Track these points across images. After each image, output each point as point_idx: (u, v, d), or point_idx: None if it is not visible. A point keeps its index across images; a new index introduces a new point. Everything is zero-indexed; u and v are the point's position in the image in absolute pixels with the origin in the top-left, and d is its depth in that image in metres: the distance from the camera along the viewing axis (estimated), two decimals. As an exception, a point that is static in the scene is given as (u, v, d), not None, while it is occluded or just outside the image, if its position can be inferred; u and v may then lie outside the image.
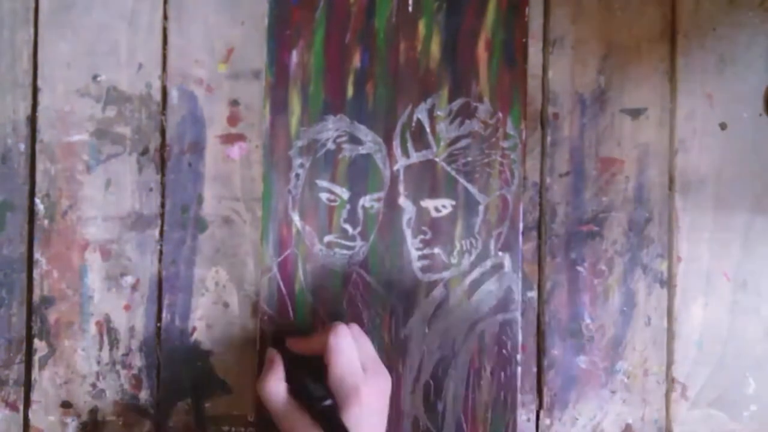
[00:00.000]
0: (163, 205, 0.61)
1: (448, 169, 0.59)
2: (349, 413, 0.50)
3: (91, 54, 0.61)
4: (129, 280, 0.61)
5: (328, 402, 0.51)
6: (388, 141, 0.59)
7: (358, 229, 0.59)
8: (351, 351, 0.52)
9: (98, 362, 0.61)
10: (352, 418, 0.50)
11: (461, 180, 0.59)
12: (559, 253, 0.61)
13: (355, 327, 0.56)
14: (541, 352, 0.61)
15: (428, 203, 0.59)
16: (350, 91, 0.59)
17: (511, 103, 0.59)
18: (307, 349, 0.55)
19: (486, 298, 0.59)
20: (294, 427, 0.51)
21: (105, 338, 0.61)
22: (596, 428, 0.61)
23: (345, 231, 0.59)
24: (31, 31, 0.61)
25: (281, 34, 0.59)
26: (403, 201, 0.59)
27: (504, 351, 0.59)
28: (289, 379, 0.53)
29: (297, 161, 0.59)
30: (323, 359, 0.53)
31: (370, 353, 0.55)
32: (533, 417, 0.61)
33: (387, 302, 0.59)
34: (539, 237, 0.62)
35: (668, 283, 0.61)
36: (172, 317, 0.61)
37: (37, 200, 0.61)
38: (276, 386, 0.52)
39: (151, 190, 0.61)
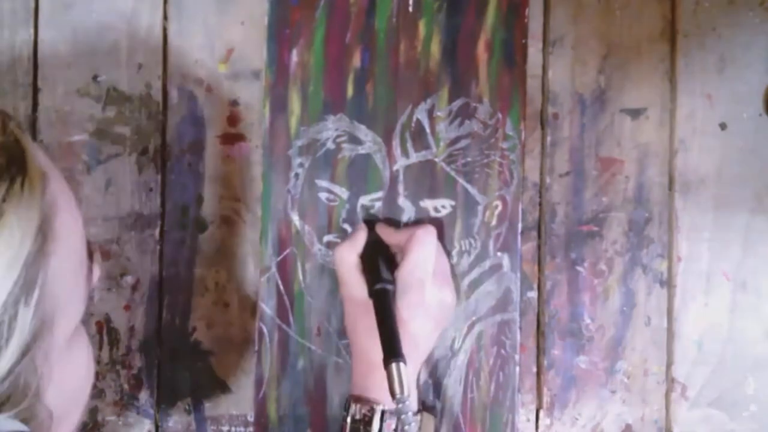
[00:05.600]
0: (163, 205, 0.61)
1: (448, 169, 0.59)
2: (405, 304, 0.51)
3: (91, 54, 0.61)
4: (129, 280, 0.61)
5: (389, 286, 0.51)
6: (387, 141, 0.59)
7: (358, 229, 0.59)
8: (431, 250, 0.53)
9: (98, 362, 0.61)
10: (407, 311, 0.51)
11: (461, 180, 0.59)
12: (559, 253, 0.61)
13: (440, 243, 0.56)
14: (540, 352, 0.61)
15: (428, 203, 0.59)
16: (350, 91, 0.59)
17: (511, 104, 0.59)
18: (393, 239, 0.55)
19: (485, 298, 0.59)
20: (352, 297, 0.53)
21: (105, 338, 0.61)
22: (596, 428, 0.61)
23: (344, 231, 0.59)
24: (31, 31, 0.61)
25: (281, 33, 0.59)
26: (402, 201, 0.59)
27: (503, 351, 0.59)
28: (364, 256, 0.54)
29: (297, 161, 0.59)
30: (401, 254, 0.53)
31: (445, 267, 0.56)
32: (533, 417, 0.61)
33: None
34: (539, 237, 0.62)
35: (668, 283, 0.61)
36: (172, 317, 0.61)
37: (37, 200, 0.61)
38: (349, 253, 0.53)
39: (151, 190, 0.61)
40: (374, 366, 0.50)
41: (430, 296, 0.52)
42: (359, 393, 0.51)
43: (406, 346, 0.47)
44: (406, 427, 0.46)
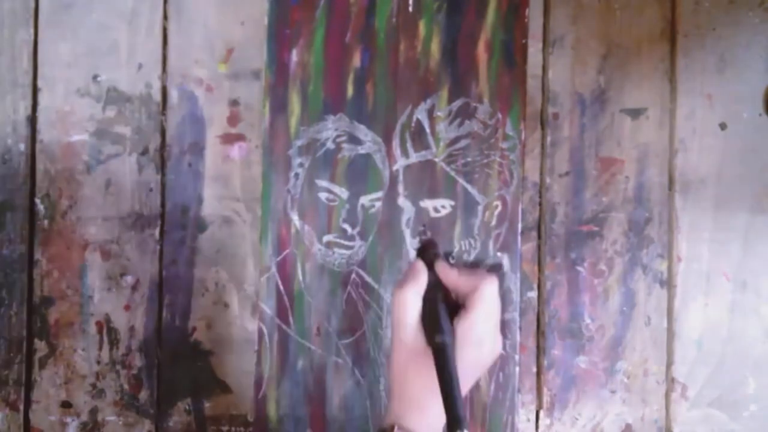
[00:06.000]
0: (163, 205, 0.61)
1: (448, 169, 0.59)
2: (462, 358, 0.49)
3: (91, 54, 0.61)
4: (129, 280, 0.61)
5: (450, 339, 0.49)
6: (387, 141, 0.59)
7: (357, 228, 0.59)
8: (496, 306, 0.51)
9: (98, 362, 0.61)
10: (462, 364, 0.49)
11: (460, 180, 0.59)
12: (559, 253, 0.61)
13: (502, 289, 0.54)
14: (540, 351, 0.61)
15: (427, 203, 0.59)
16: (350, 91, 0.59)
17: (511, 104, 0.59)
18: (454, 283, 0.52)
19: (485, 298, 0.59)
20: (408, 343, 0.50)
21: (105, 338, 0.61)
22: (596, 428, 0.61)
23: (344, 231, 0.59)
24: (31, 31, 0.61)
25: (281, 33, 0.59)
26: (402, 201, 0.59)
27: (502, 351, 0.59)
28: (425, 301, 0.51)
29: (296, 161, 0.59)
30: (461, 299, 0.51)
31: (499, 317, 0.53)
32: (533, 417, 0.61)
33: (385, 302, 0.59)
34: (539, 237, 0.62)
35: (668, 283, 0.61)
36: (172, 317, 0.61)
37: (37, 200, 0.61)
38: (415, 299, 0.50)
39: (151, 190, 0.61)
40: (418, 406, 0.50)
41: (487, 350, 0.51)
42: (399, 423, 0.50)
43: None
44: None
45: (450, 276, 0.52)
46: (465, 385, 0.50)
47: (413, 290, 0.50)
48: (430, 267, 0.52)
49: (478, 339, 0.50)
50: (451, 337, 0.49)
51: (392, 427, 0.50)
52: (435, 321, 0.49)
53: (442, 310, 0.50)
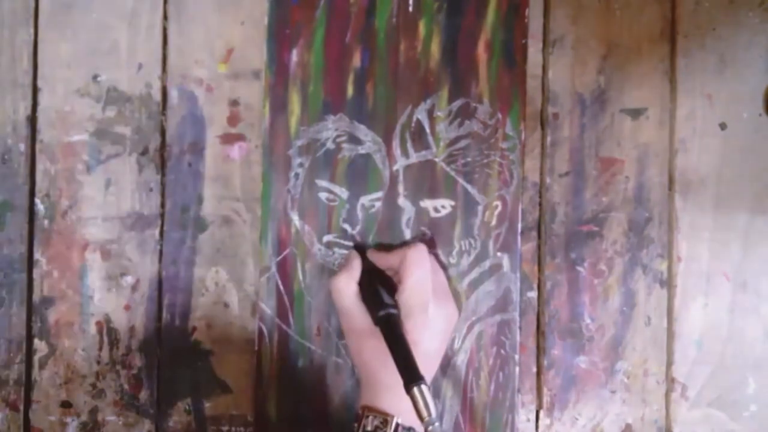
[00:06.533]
0: (163, 205, 0.61)
1: (448, 169, 0.59)
2: (412, 326, 0.51)
3: (91, 54, 0.61)
4: (129, 280, 0.61)
5: (393, 310, 0.51)
6: (387, 141, 0.59)
7: (357, 229, 0.59)
8: (426, 268, 0.53)
9: (98, 362, 0.61)
10: (414, 332, 0.51)
11: (461, 180, 0.59)
12: (559, 253, 0.61)
13: (433, 257, 0.56)
14: (540, 352, 0.61)
15: (427, 203, 0.59)
16: (350, 91, 0.59)
17: (511, 104, 0.59)
18: (386, 263, 0.55)
19: (485, 298, 0.59)
20: (354, 327, 0.53)
21: (105, 338, 0.61)
22: (596, 428, 0.61)
23: (344, 231, 0.59)
24: (31, 31, 0.61)
25: (281, 33, 0.59)
26: (402, 201, 0.59)
27: (502, 351, 0.59)
28: (362, 284, 0.54)
29: (296, 161, 0.59)
30: (398, 277, 0.53)
31: (443, 282, 0.56)
32: (533, 417, 0.61)
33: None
34: (539, 237, 0.62)
35: (668, 283, 0.61)
36: (172, 317, 0.61)
37: (37, 200, 0.61)
38: (347, 284, 0.53)
39: (151, 190, 0.61)
40: (385, 387, 0.50)
41: (434, 314, 0.52)
42: (368, 405, 0.51)
43: (421, 366, 0.47)
44: None
45: (380, 258, 0.55)
46: (429, 353, 0.52)
47: (345, 276, 0.53)
48: (363, 258, 0.56)
49: (421, 304, 0.52)
50: (394, 309, 0.51)
51: (363, 410, 0.50)
52: (375, 300, 0.52)
53: (381, 289, 0.53)
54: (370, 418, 0.50)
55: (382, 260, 0.56)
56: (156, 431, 0.61)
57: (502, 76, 0.59)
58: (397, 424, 0.49)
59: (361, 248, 0.58)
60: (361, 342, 0.53)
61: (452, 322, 0.55)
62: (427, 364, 0.52)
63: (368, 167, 0.59)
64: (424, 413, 0.45)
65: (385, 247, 0.58)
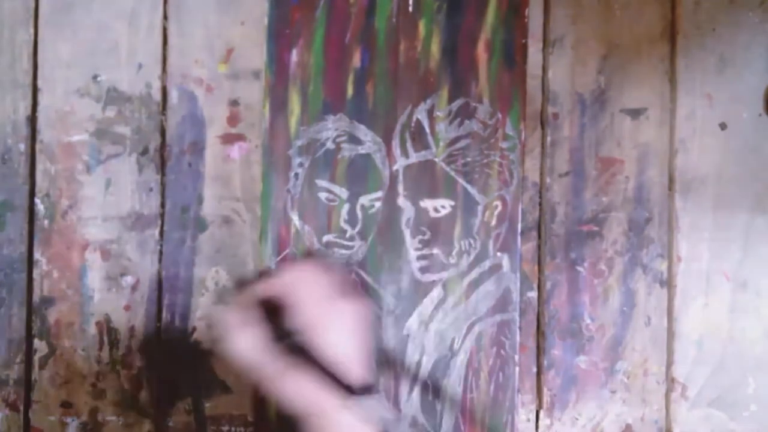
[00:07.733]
0: (163, 205, 0.61)
1: (448, 169, 0.59)
2: (320, 341, 0.47)
3: (91, 54, 0.61)
4: (129, 280, 0.61)
5: (298, 336, 0.47)
6: (387, 141, 0.59)
7: (357, 228, 0.59)
8: (311, 281, 0.48)
9: (98, 362, 0.61)
10: (325, 345, 0.47)
11: (460, 180, 0.59)
12: (559, 253, 0.61)
13: (316, 263, 0.50)
14: (540, 352, 0.61)
15: (427, 203, 0.59)
16: (350, 91, 0.59)
17: (511, 104, 0.59)
18: (271, 294, 0.49)
19: (484, 298, 0.59)
20: (270, 377, 0.48)
21: (105, 338, 0.61)
22: (596, 428, 0.61)
23: (344, 231, 0.59)
24: (31, 31, 0.61)
25: (281, 33, 0.59)
26: (402, 201, 0.59)
27: (502, 351, 0.59)
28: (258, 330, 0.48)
29: (296, 161, 0.59)
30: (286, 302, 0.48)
31: (327, 286, 0.49)
32: (533, 417, 0.61)
33: (385, 302, 0.59)
34: (539, 237, 0.62)
35: (668, 283, 0.61)
36: (172, 317, 0.61)
37: (37, 200, 0.61)
38: (246, 339, 0.47)
39: (151, 190, 0.61)
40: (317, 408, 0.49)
41: (337, 319, 0.48)
42: None
43: (350, 373, 0.46)
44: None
45: (263, 290, 0.50)
46: (352, 357, 0.48)
47: (243, 332, 0.48)
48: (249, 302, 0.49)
49: (315, 317, 0.48)
50: (295, 335, 0.48)
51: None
52: (277, 334, 0.48)
53: (275, 321, 0.48)
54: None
55: (266, 292, 0.49)
56: (156, 431, 0.61)
57: (502, 76, 0.59)
58: None
59: (241, 284, 0.50)
60: (283, 382, 0.48)
61: (361, 313, 0.49)
62: (357, 367, 0.49)
63: (368, 167, 0.59)
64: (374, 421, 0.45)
65: (245, 282, 0.51)
